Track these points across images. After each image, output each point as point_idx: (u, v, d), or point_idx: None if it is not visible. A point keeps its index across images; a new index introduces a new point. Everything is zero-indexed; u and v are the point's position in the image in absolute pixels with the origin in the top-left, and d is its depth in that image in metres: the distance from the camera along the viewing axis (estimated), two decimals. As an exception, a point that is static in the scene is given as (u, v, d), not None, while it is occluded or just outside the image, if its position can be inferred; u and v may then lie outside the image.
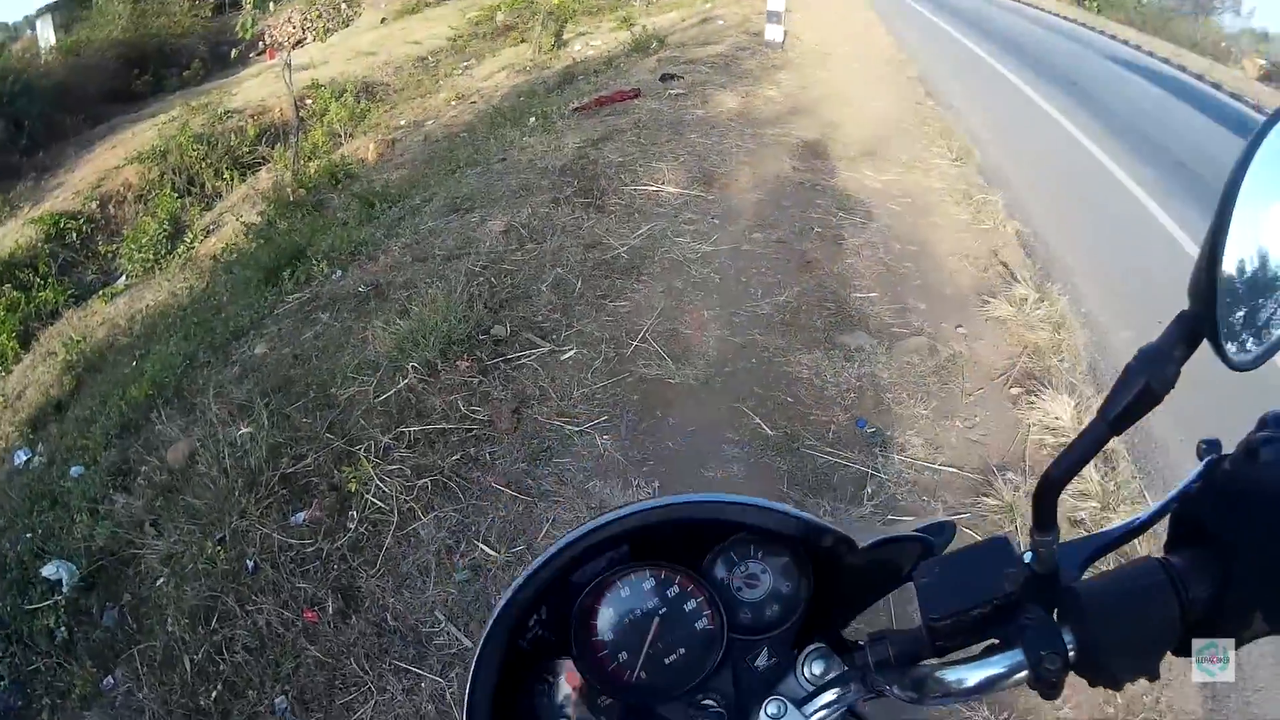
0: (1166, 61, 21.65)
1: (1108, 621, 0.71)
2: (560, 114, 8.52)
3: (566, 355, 4.14)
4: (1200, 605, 0.68)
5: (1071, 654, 0.70)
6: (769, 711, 0.86)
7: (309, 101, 17.78)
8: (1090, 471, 3.75)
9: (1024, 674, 0.72)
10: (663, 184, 6.12)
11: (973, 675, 0.74)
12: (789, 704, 0.86)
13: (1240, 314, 0.69)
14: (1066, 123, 11.44)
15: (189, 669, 2.98)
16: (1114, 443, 3.95)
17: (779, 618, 0.96)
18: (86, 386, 8.29)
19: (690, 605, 0.95)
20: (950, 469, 3.71)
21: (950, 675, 0.76)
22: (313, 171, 13.00)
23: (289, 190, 11.78)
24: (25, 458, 6.46)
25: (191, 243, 13.27)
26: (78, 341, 10.06)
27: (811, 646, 0.94)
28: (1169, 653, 0.71)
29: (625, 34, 14.28)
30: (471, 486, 3.39)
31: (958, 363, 4.55)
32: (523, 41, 18.06)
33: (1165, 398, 0.67)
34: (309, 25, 17.91)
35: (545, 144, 7.33)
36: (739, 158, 6.91)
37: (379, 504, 3.33)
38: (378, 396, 3.93)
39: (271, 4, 20.39)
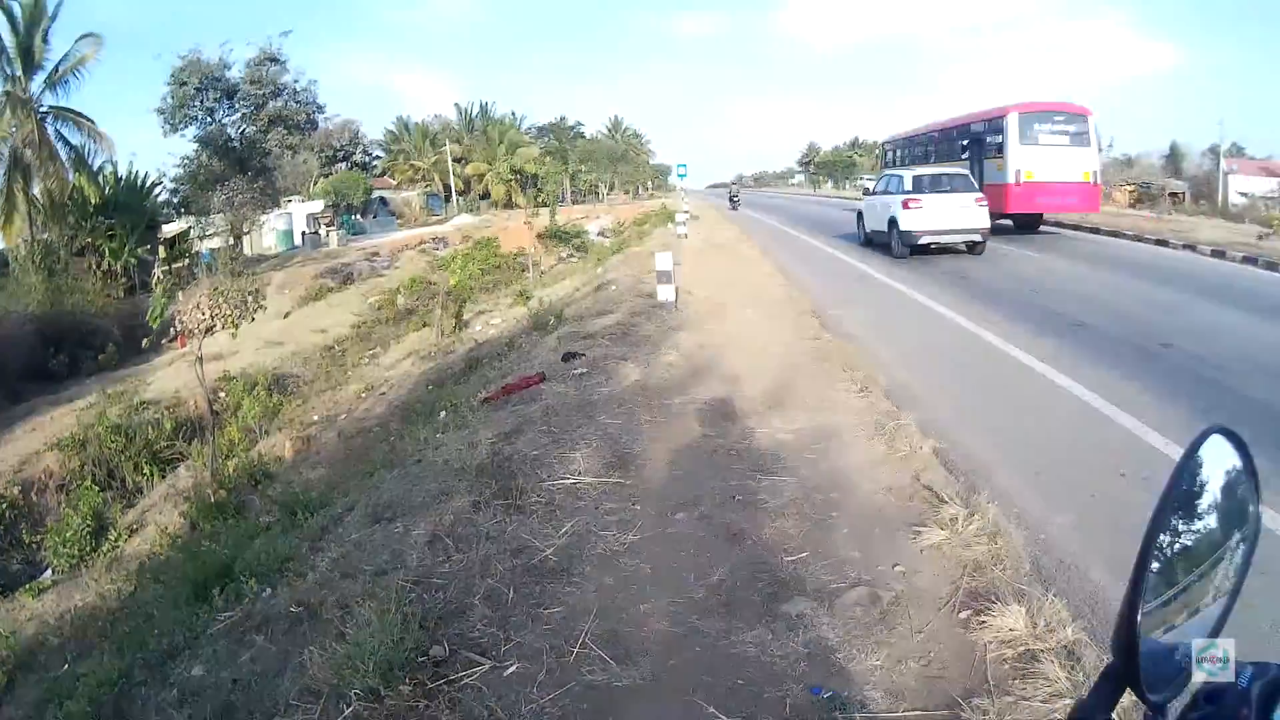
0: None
1: None
2: (469, 406, 8.73)
3: (509, 671, 4.12)
4: None
5: None
6: None
7: (222, 394, 18.08)
8: (1056, 670, 3.85)
9: None
10: (579, 474, 6.25)
11: None
12: None
13: (1161, 659, 0.77)
14: (956, 316, 12.27)
15: None
16: (1074, 632, 4.16)
17: None
18: (19, 685, 8.16)
19: None
20: (915, 713, 3.73)
21: None
22: (231, 471, 13.21)
23: (209, 491, 11.84)
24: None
25: (116, 541, 13.39)
26: (7, 637, 9.95)
27: None
28: None
29: (523, 309, 14.83)
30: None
31: (901, 603, 4.62)
32: (425, 325, 18.59)
33: None
34: (217, 313, 18.20)
35: (459, 440, 7.47)
36: (650, 433, 7.13)
37: None
38: (324, 728, 3.87)
39: (179, 293, 20.85)
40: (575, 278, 18.89)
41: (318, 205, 53.33)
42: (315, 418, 16.30)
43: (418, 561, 5.25)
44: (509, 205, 55.41)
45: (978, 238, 17.29)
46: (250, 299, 18.21)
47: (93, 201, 32.81)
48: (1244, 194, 46.41)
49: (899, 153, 29.63)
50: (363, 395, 15.88)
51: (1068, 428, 7.72)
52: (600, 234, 32.43)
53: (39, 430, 18.35)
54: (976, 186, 18.05)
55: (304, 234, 50.95)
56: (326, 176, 58.33)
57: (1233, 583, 0.84)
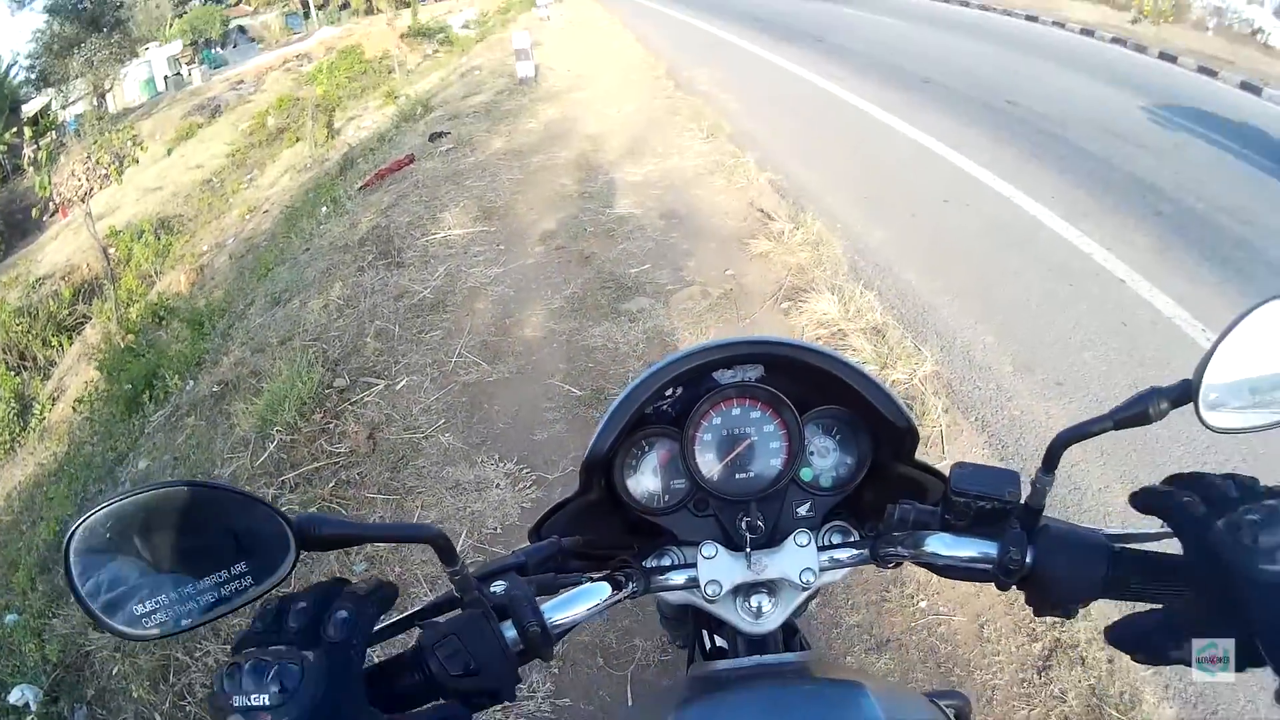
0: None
1: (1059, 555, 0.91)
2: (348, 196, 9.16)
3: (400, 385, 4.86)
4: (1119, 585, 0.89)
5: (1028, 562, 0.91)
6: (798, 540, 1.07)
7: (112, 250, 17.78)
8: (863, 342, 4.76)
9: (990, 565, 0.93)
10: (450, 229, 6.87)
11: (958, 549, 0.95)
12: (812, 539, 1.07)
13: (1222, 394, 0.85)
14: (809, 74, 12.65)
15: (160, 726, 3.46)
16: (883, 316, 4.98)
17: (829, 488, 1.21)
18: None
19: (774, 444, 1.19)
20: None
21: (943, 544, 0.96)
22: (135, 316, 13.17)
23: (119, 339, 11.95)
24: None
25: (41, 413, 13.23)
26: None
27: (834, 522, 1.19)
28: (1086, 605, 0.93)
29: (393, 108, 14.90)
30: (349, 502, 4.06)
31: (730, 298, 5.44)
32: (299, 141, 18.47)
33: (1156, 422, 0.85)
34: (91, 174, 17.89)
35: (341, 225, 7.98)
36: (512, 190, 7.73)
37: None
38: (255, 462, 4.57)
39: (53, 163, 20.31)
40: (441, 70, 18.77)
41: (176, 46, 50.49)
42: (205, 248, 16.31)
43: (315, 323, 5.88)
44: (370, 11, 52.97)
45: None
46: (128, 146, 17.95)
47: None
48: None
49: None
50: (246, 217, 15.87)
51: (900, 164, 8.40)
52: (465, 26, 31.62)
53: (-59, 337, 17.76)
54: None
55: (166, 78, 48.42)
56: (181, 16, 55.14)
57: None
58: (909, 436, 1.14)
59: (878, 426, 1.17)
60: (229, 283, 11.61)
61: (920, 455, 1.16)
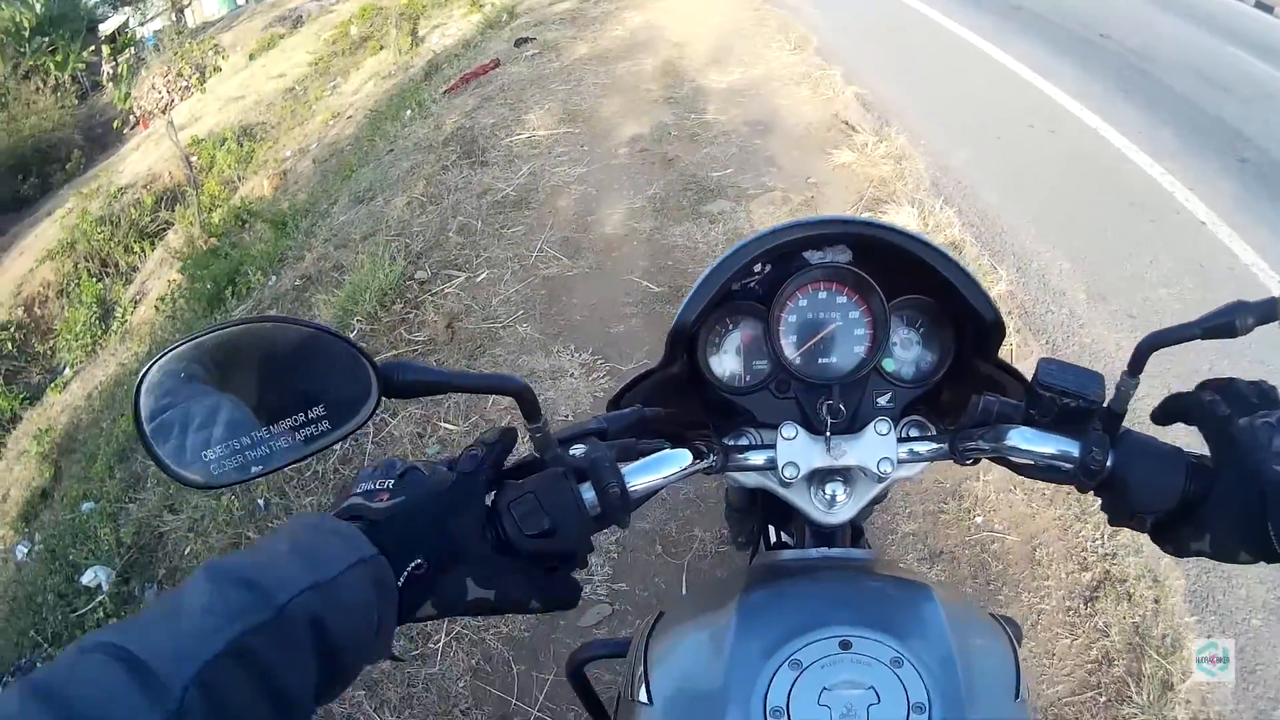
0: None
1: (1139, 461, 0.90)
2: (433, 99, 9.14)
3: (480, 277, 4.87)
4: (1193, 495, 0.87)
5: (1109, 466, 0.91)
6: (879, 429, 1.05)
7: (195, 158, 17.92)
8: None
9: (1071, 464, 0.93)
10: (534, 131, 6.82)
11: (1041, 445, 0.94)
12: (893, 429, 1.05)
13: None
14: None
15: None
16: (961, 233, 4.88)
17: (911, 381, 1.20)
18: (66, 470, 8.52)
19: (859, 332, 1.18)
20: None
21: (1024, 438, 0.95)
22: (218, 220, 13.29)
23: (201, 242, 12.11)
24: (25, 550, 6.59)
25: (123, 316, 13.47)
26: (45, 432, 10.20)
27: (913, 417, 1.20)
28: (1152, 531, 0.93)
29: (478, 15, 14.76)
30: (426, 389, 4.13)
31: (811, 204, 5.36)
32: (382, 49, 18.38)
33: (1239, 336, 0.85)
34: (172, 85, 18.04)
35: (425, 127, 7.96)
36: (597, 94, 7.62)
37: None
38: (334, 350, 4.63)
39: (133, 77, 20.50)
40: (527, -26, 18.62)
41: (257, -40, 50.74)
42: (288, 154, 16.38)
43: (397, 219, 5.91)
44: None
45: None
46: (209, 56, 17.98)
47: (27, 26, 31.62)
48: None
49: None
50: (330, 123, 15.89)
51: (987, 88, 8.16)
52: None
53: (27, 252, 18.19)
54: None
55: (245, -10, 48.79)
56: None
57: None
58: (995, 332, 1.13)
59: (964, 320, 1.15)
60: (312, 185, 11.68)
61: None
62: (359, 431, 0.72)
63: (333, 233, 6.53)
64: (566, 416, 3.77)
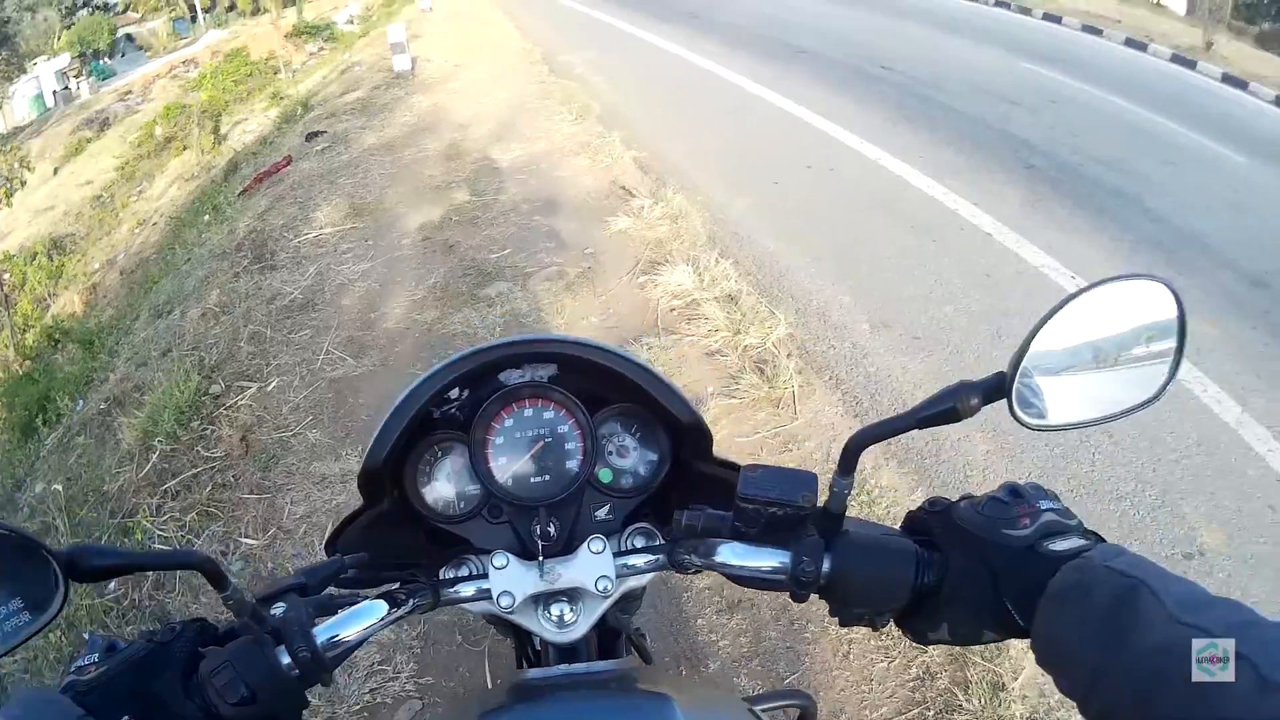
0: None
1: (861, 562, 0.88)
2: (229, 202, 9.24)
3: (271, 386, 5.05)
4: (926, 586, 0.85)
5: (824, 571, 0.88)
6: (593, 547, 1.02)
7: (6, 275, 17.53)
8: (717, 310, 4.97)
9: (785, 576, 0.90)
10: (321, 229, 7.03)
11: (750, 559, 0.91)
12: (607, 546, 1.02)
13: (1031, 393, 0.82)
14: (685, 51, 12.83)
15: None
16: (739, 284, 5.23)
17: (629, 489, 1.17)
18: None
19: (570, 445, 1.15)
20: None
21: (733, 553, 0.92)
22: (31, 342, 13.08)
23: (16, 366, 11.87)
24: None
25: None
26: None
27: (638, 525, 1.16)
28: (891, 620, 0.90)
29: (276, 110, 14.86)
30: (225, 504, 4.25)
31: (587, 277, 5.69)
32: (186, 149, 18.27)
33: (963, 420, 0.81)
34: None
35: (220, 232, 8.10)
36: (383, 184, 7.89)
37: (163, 546, 4.17)
38: (140, 474, 4.72)
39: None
40: (324, 69, 18.70)
41: (64, 60, 49.24)
42: (96, 266, 16.14)
43: (193, 333, 6.01)
44: (256, 11, 52.06)
45: None
46: (15, 168, 17.59)
47: None
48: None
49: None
50: (136, 231, 15.73)
51: (767, 135, 8.69)
52: (349, 22, 31.33)
53: None
54: None
55: (55, 93, 47.24)
56: (69, 28, 53.69)
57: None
58: (700, 434, 1.12)
59: (673, 424, 1.14)
60: (119, 299, 11.58)
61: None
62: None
63: (134, 351, 6.59)
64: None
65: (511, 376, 1.15)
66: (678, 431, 1.14)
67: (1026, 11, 16.13)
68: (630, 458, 1.18)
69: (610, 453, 1.18)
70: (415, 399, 1.08)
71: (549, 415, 1.16)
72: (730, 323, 4.85)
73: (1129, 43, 14.00)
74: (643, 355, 4.23)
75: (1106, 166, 7.31)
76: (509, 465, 1.15)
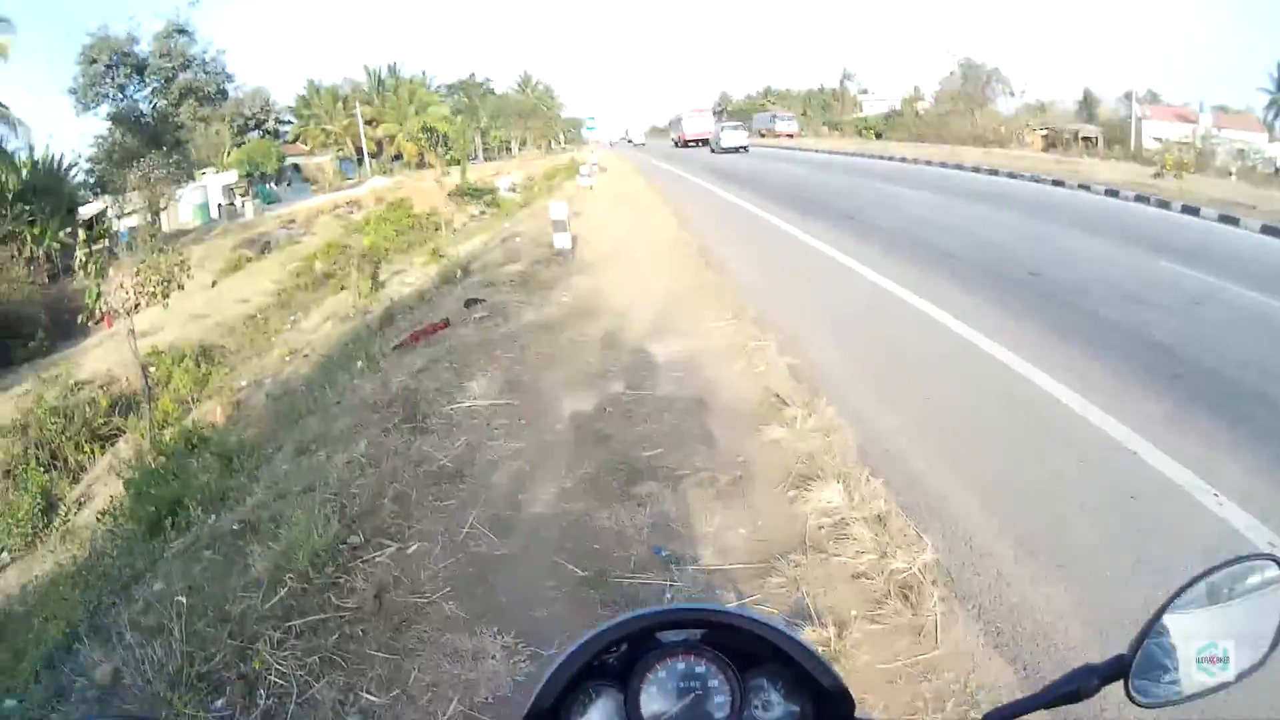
0: (943, 164, 23.77)
1: None
2: (383, 354, 9.59)
3: (411, 549, 5.11)
4: None
5: None
6: None
7: (152, 369, 18.34)
8: (864, 530, 4.87)
9: None
10: (475, 399, 7.23)
11: None
12: None
13: (1157, 668, 0.85)
14: (838, 254, 13.10)
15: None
16: (888, 504, 5.17)
17: None
18: None
19: (719, 699, 1.20)
20: (738, 566, 4.74)
21: None
22: (168, 439, 13.61)
23: (150, 459, 12.34)
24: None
25: (67, 515, 13.69)
26: None
27: None
28: None
29: (435, 267, 15.52)
30: (351, 656, 4.26)
31: (738, 485, 5.66)
32: (343, 289, 19.15)
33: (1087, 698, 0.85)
34: (141, 291, 18.60)
35: (373, 383, 8.36)
36: (539, 365, 8.13)
37: (280, 681, 4.18)
38: (265, 604, 4.78)
39: (109, 270, 21.17)
40: (485, 233, 19.63)
41: (232, 176, 52.63)
42: (243, 383, 16.85)
43: (337, 478, 6.15)
44: (421, 165, 55.07)
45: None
46: (176, 271, 18.65)
47: (11, 189, 32.53)
48: (1158, 139, 46.61)
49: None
50: (287, 359, 16.47)
51: (919, 345, 8.74)
52: (510, 189, 33.00)
53: (-24, 422, 18.23)
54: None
55: (220, 206, 50.49)
56: (240, 146, 57.54)
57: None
58: (843, 698, 1.16)
59: (816, 687, 1.18)
60: (262, 423, 11.99)
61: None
62: None
63: (274, 480, 6.75)
64: (487, 699, 3.91)
65: (668, 635, 1.23)
66: (821, 692, 1.18)
67: (1165, 205, 16.28)
68: (776, 710, 1.22)
69: (756, 706, 1.22)
70: (585, 651, 1.16)
71: (700, 670, 1.21)
72: (877, 545, 4.77)
73: (1265, 229, 14.07)
74: (794, 629, 4.19)
75: (1247, 368, 7.21)
76: (660, 714, 1.20)
